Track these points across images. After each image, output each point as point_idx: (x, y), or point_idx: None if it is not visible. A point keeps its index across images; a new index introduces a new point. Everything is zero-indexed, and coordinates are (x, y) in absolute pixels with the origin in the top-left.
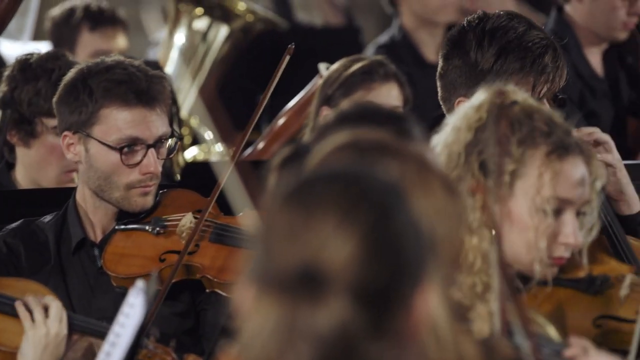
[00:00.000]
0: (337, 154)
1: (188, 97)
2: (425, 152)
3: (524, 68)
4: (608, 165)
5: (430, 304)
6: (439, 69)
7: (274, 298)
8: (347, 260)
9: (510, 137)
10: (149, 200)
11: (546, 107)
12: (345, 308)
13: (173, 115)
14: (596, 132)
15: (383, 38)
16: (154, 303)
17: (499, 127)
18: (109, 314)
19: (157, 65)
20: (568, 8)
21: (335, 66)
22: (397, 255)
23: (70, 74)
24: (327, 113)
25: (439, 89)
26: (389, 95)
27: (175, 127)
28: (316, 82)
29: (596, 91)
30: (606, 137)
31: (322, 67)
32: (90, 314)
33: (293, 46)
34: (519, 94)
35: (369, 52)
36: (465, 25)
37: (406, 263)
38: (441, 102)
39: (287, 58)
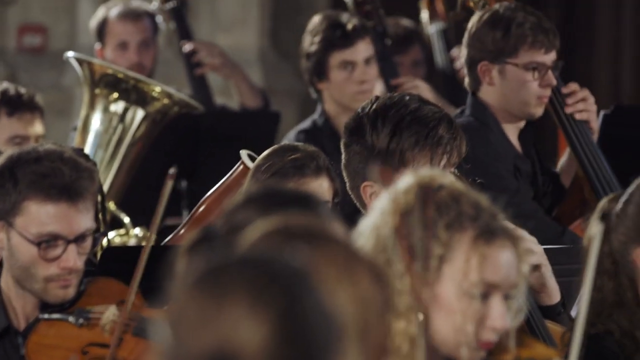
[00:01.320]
0: (266, 239)
1: (105, 181)
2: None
3: (419, 142)
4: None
5: None
6: (342, 160)
7: None
8: (260, 345)
9: (437, 221)
10: (70, 292)
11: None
12: None
13: (99, 206)
14: None
15: (305, 123)
16: None
17: (426, 211)
18: None
19: (82, 153)
20: (480, 93)
21: (266, 154)
22: (307, 339)
23: (2, 159)
24: None
25: (346, 180)
26: (320, 189)
27: (101, 218)
28: (238, 169)
29: (521, 171)
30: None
31: (244, 154)
32: None
33: (175, 171)
34: (446, 178)
35: (291, 136)
36: (359, 111)
37: (317, 346)
38: (350, 193)
39: (170, 183)
